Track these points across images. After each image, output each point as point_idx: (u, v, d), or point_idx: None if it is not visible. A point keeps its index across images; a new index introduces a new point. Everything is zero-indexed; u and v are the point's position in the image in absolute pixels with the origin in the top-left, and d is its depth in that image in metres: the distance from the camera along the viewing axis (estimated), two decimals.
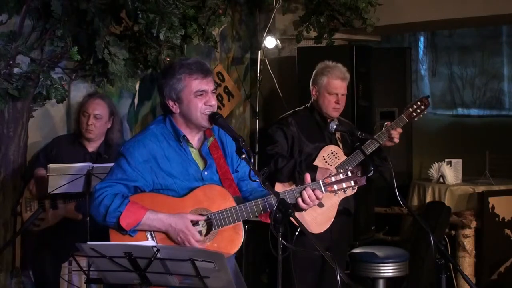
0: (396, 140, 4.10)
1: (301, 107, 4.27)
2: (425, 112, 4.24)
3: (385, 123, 4.19)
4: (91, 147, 4.45)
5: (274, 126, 4.19)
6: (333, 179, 2.95)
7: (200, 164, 2.97)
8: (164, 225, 2.83)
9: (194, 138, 2.98)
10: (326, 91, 4.10)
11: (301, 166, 3.98)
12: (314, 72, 4.23)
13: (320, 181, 2.94)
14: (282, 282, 2.73)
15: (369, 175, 3.46)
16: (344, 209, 4.13)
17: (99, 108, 4.39)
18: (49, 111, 4.71)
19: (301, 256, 3.81)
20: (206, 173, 2.95)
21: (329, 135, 4.16)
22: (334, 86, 4.10)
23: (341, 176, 2.95)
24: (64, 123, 4.80)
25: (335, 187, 2.94)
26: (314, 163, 4.04)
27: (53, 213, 4.30)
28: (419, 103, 4.23)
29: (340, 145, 4.16)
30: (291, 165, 4.00)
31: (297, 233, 3.39)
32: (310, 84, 4.21)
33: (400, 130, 4.11)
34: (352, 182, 2.95)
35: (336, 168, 4.06)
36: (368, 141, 4.05)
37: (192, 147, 2.98)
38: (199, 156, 2.98)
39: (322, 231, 3.93)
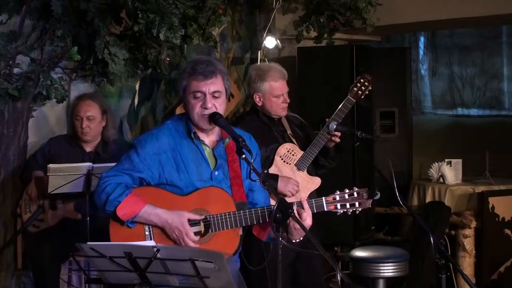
0: (337, 139, 4.03)
1: (244, 112, 4.16)
2: (370, 88, 4.16)
3: (326, 118, 4.07)
4: (89, 147, 4.44)
5: None
6: (337, 197, 2.88)
7: (212, 164, 2.94)
8: (160, 220, 2.82)
9: (206, 136, 2.96)
10: (271, 96, 4.03)
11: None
12: (250, 79, 4.13)
13: (323, 198, 2.88)
14: None
15: (374, 197, 3.37)
16: None
17: (90, 110, 4.36)
18: (49, 111, 4.71)
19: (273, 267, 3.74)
20: (216, 173, 2.92)
21: (281, 133, 4.10)
22: (279, 89, 4.03)
23: (346, 196, 2.87)
24: (63, 123, 4.80)
25: (338, 206, 2.87)
26: (273, 165, 3.99)
27: (53, 214, 4.29)
28: (362, 80, 4.15)
29: (294, 140, 4.10)
30: None
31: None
32: (250, 92, 4.13)
33: (338, 133, 4.02)
34: (356, 203, 2.87)
35: (296, 165, 4.02)
36: (319, 133, 3.98)
37: (205, 144, 2.95)
38: (212, 156, 2.96)
39: None
